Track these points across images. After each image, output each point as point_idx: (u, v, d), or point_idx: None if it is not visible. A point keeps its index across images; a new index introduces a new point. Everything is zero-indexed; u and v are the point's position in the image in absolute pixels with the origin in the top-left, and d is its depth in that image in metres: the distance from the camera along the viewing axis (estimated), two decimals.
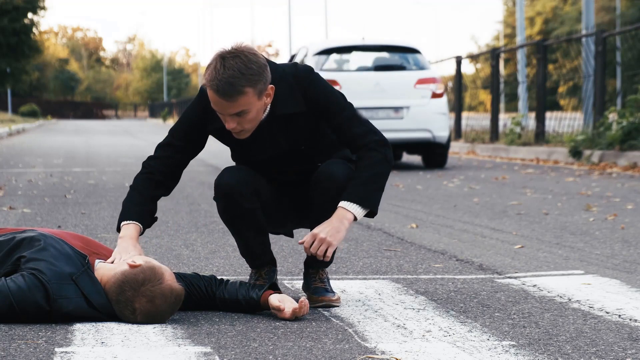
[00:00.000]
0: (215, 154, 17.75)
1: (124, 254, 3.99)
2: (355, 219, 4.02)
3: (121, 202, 4.21)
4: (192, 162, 4.53)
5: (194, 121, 4.18)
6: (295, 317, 3.95)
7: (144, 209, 4.16)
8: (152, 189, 4.19)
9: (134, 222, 4.12)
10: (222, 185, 4.15)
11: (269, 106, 4.09)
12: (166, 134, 4.26)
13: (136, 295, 3.82)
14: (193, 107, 4.19)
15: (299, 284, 4.81)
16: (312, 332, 3.73)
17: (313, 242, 3.97)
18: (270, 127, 4.12)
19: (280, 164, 4.22)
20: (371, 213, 4.08)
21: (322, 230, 3.98)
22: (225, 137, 4.18)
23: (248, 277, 4.54)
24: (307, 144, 4.18)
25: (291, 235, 4.49)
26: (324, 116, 4.11)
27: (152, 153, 4.26)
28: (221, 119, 4.04)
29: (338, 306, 4.23)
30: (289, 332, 3.73)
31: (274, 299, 3.97)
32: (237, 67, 3.90)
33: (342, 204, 4.02)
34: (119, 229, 4.15)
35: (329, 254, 3.98)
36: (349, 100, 4.17)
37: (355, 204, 4.02)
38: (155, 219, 4.22)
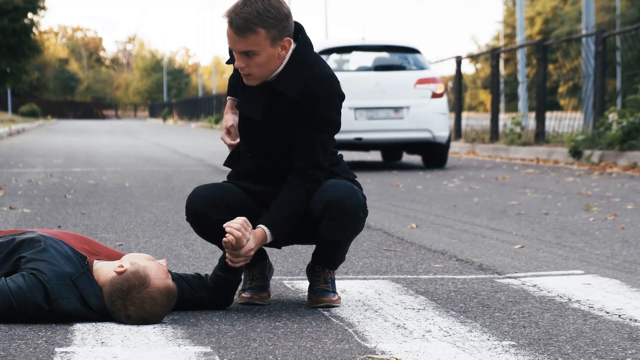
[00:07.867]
0: (215, 154, 17.73)
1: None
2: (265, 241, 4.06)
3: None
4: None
5: (234, 80, 4.19)
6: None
7: None
8: None
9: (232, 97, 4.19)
10: (189, 209, 4.11)
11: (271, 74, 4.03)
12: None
13: (125, 303, 3.84)
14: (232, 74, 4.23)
15: (299, 284, 4.81)
16: (312, 332, 3.73)
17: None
18: (262, 91, 4.05)
19: (271, 159, 4.13)
20: (273, 243, 4.15)
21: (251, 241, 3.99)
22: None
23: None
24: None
25: (277, 246, 4.36)
26: (306, 116, 4.04)
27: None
28: (236, 60, 4.02)
29: (338, 306, 4.23)
30: (289, 332, 3.74)
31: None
32: (257, 7, 3.93)
33: (263, 227, 4.04)
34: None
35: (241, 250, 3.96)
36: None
37: (270, 232, 4.04)
38: None
